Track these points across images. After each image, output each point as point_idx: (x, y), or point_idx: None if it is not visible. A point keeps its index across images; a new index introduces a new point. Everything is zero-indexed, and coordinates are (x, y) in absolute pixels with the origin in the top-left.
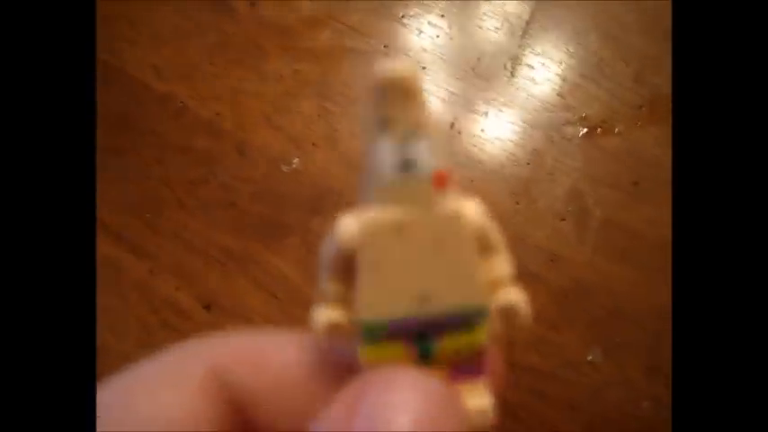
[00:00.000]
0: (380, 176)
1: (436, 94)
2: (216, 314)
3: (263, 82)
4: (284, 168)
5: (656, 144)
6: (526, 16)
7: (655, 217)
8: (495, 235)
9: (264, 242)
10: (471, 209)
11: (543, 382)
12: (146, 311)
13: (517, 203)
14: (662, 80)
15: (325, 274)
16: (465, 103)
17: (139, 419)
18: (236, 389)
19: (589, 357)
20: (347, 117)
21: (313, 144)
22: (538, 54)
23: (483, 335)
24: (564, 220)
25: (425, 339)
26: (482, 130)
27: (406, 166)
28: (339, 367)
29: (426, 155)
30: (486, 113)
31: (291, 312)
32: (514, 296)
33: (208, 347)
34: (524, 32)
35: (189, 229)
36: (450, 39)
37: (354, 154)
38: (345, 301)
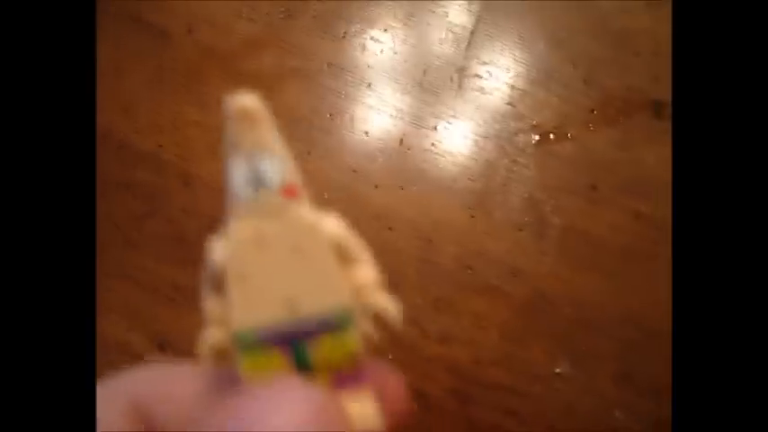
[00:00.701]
0: (236, 194)
1: (383, 111)
2: (169, 354)
3: (204, 109)
4: None
5: (611, 146)
6: (470, 26)
7: (615, 220)
8: (356, 244)
9: None
10: (328, 221)
11: (512, 399)
12: (97, 358)
13: (473, 217)
14: (612, 81)
15: (204, 295)
16: (413, 118)
17: None
18: (151, 419)
19: (557, 370)
20: (293, 140)
21: None
22: (484, 63)
23: (355, 339)
24: (522, 230)
25: (299, 345)
26: (432, 145)
27: (256, 181)
28: (231, 388)
29: (273, 170)
30: (435, 127)
31: None
32: (382, 299)
33: (126, 382)
34: (469, 43)
35: (137, 266)
36: (395, 53)
37: (301, 177)
38: (225, 320)
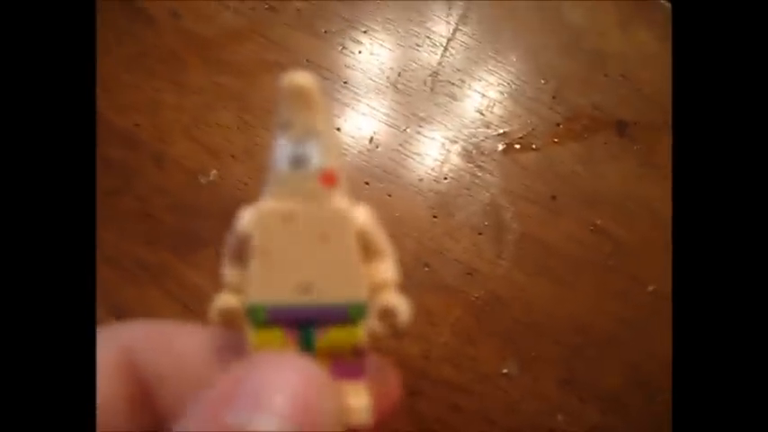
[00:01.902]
0: (276, 171)
1: (356, 109)
2: None
3: (182, 94)
4: (202, 180)
5: (573, 159)
6: (447, 34)
7: (572, 231)
8: (382, 240)
9: (179, 254)
10: (358, 212)
11: (458, 396)
12: None
13: (435, 217)
14: (579, 99)
15: (225, 261)
16: (384, 117)
17: None
18: (143, 369)
19: (504, 370)
20: (267, 130)
21: (232, 156)
22: (458, 71)
23: (361, 333)
24: (481, 234)
25: (307, 329)
26: (401, 145)
27: (297, 162)
28: (236, 353)
29: (317, 154)
30: (405, 129)
31: (203, 323)
32: (395, 299)
33: (119, 332)
34: (445, 49)
35: (102, 241)
36: (371, 54)
37: None
38: (240, 288)
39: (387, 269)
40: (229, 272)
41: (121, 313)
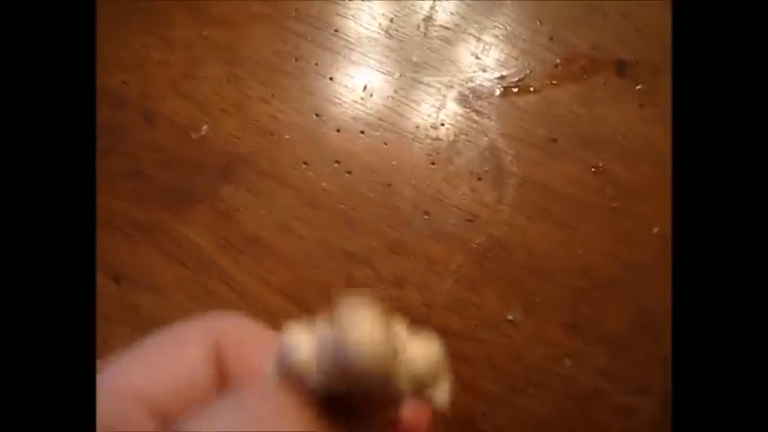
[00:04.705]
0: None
1: (348, 57)
2: (125, 287)
3: (169, 49)
4: (193, 136)
5: (573, 101)
6: None
7: (573, 174)
8: (443, 371)
9: (173, 211)
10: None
11: (463, 344)
12: None
13: (433, 164)
14: (577, 40)
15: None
16: (378, 65)
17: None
18: (227, 365)
19: (509, 317)
20: (257, 83)
21: (222, 110)
22: (452, 14)
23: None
24: (481, 179)
25: None
26: (395, 92)
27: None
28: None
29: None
30: (399, 75)
31: (203, 282)
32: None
33: (208, 323)
34: None
35: None
36: (362, 0)
37: (264, 120)
38: None
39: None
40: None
41: (118, 275)
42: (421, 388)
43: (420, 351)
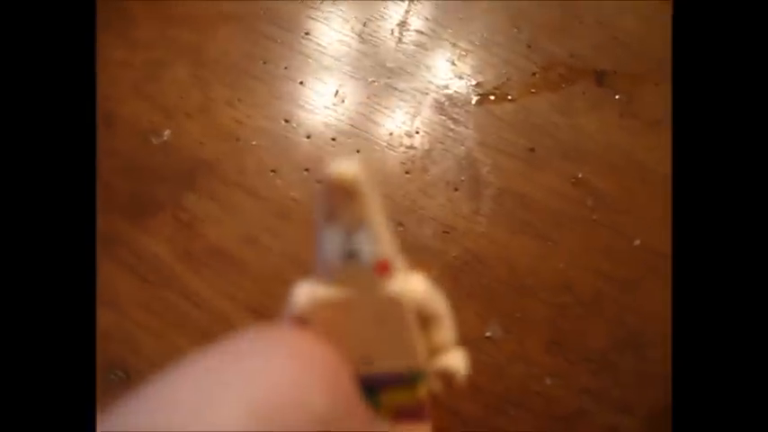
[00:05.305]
0: (328, 262)
1: (320, 61)
2: None
3: (131, 49)
4: (154, 141)
5: (551, 110)
6: None
7: (553, 185)
8: (439, 306)
9: (132, 221)
10: (413, 284)
11: None
12: None
13: (407, 173)
14: (555, 48)
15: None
16: (350, 69)
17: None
18: None
19: (488, 333)
20: (223, 86)
21: (186, 114)
22: (427, 20)
23: (422, 391)
24: (457, 190)
25: (372, 393)
26: (368, 98)
27: (350, 255)
28: None
29: (368, 245)
30: (372, 81)
31: (164, 297)
32: (453, 361)
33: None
34: None
35: None
36: (334, 2)
37: (231, 125)
38: None
39: (443, 333)
40: None
41: None
42: (426, 318)
43: (419, 284)
